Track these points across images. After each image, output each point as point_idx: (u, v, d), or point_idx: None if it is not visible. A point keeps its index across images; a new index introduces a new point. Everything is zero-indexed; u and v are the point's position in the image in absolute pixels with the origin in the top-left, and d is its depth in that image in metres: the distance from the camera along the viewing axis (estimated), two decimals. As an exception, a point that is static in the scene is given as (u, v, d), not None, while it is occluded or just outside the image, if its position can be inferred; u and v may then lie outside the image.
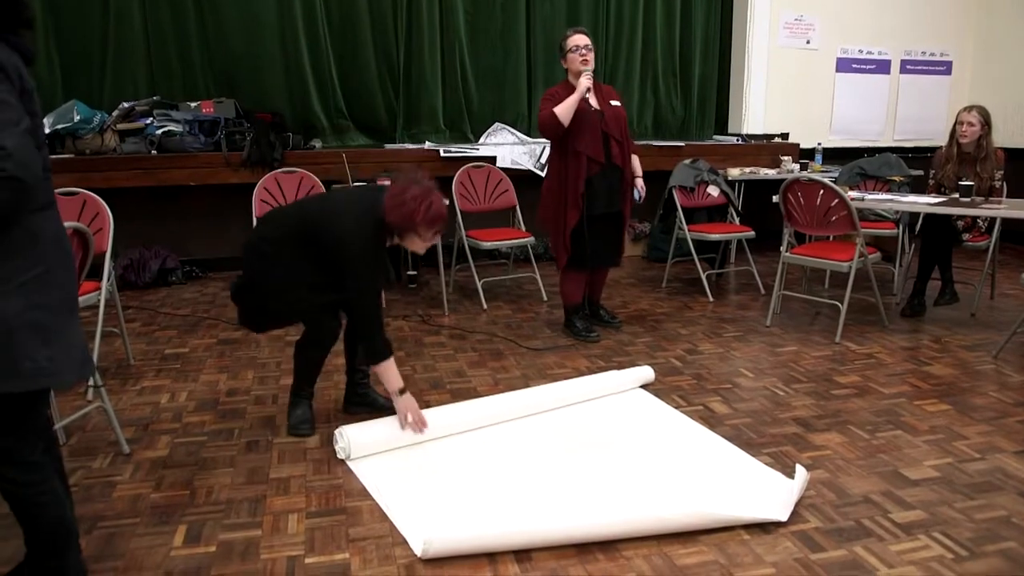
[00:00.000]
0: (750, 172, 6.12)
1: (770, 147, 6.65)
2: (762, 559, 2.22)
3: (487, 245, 5.04)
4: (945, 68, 7.41)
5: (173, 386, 3.62)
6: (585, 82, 3.92)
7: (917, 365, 3.90)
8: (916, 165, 5.90)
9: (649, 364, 3.85)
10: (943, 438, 3.04)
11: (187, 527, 2.40)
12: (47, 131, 4.97)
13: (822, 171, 6.00)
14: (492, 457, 2.91)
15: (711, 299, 5.16)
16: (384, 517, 2.45)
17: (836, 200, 4.19)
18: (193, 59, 5.73)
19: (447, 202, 3.16)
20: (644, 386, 3.61)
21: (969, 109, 4.61)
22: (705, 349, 4.15)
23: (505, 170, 5.62)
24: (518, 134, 6.26)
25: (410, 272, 5.59)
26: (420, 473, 2.77)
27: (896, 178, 5.51)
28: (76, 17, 5.46)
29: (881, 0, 7.05)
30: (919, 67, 7.33)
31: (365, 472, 2.77)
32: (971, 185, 4.45)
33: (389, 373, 2.87)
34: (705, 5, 6.83)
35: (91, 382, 3.10)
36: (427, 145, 6.00)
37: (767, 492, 2.55)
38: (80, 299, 3.19)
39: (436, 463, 2.85)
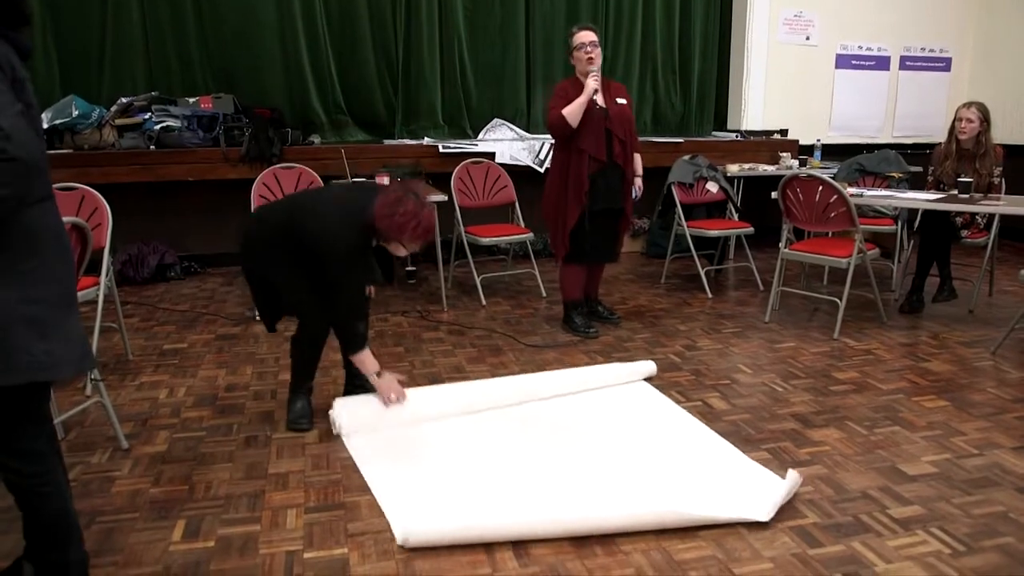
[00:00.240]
0: (749, 168, 6.12)
1: (769, 143, 6.65)
2: (760, 554, 2.22)
3: (486, 241, 5.03)
4: (944, 65, 7.40)
5: (172, 381, 3.62)
6: (592, 84, 3.93)
7: (915, 361, 3.91)
8: (915, 161, 5.90)
9: (648, 360, 3.86)
10: (941, 434, 3.05)
11: (186, 522, 2.40)
12: (45, 126, 4.96)
13: (821, 167, 6.00)
14: (485, 446, 2.94)
15: (710, 295, 5.17)
16: (383, 512, 2.45)
17: (835, 196, 4.19)
18: (192, 54, 5.72)
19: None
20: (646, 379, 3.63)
21: (968, 105, 4.61)
22: (704, 345, 4.16)
23: (504, 166, 5.61)
24: (517, 130, 6.26)
25: (409, 268, 5.60)
26: (412, 460, 2.82)
27: (895, 174, 5.51)
28: (74, 12, 5.45)
29: (881, -4, 7.05)
30: (918, 64, 7.32)
31: (359, 454, 2.84)
32: (970, 181, 4.46)
33: (365, 360, 3.05)
34: (704, 1, 6.82)
35: (90, 377, 3.10)
36: (426, 141, 6.00)
37: (754, 492, 2.55)
38: (78, 294, 3.20)
39: (429, 450, 2.90)
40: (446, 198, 4.73)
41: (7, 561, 2.08)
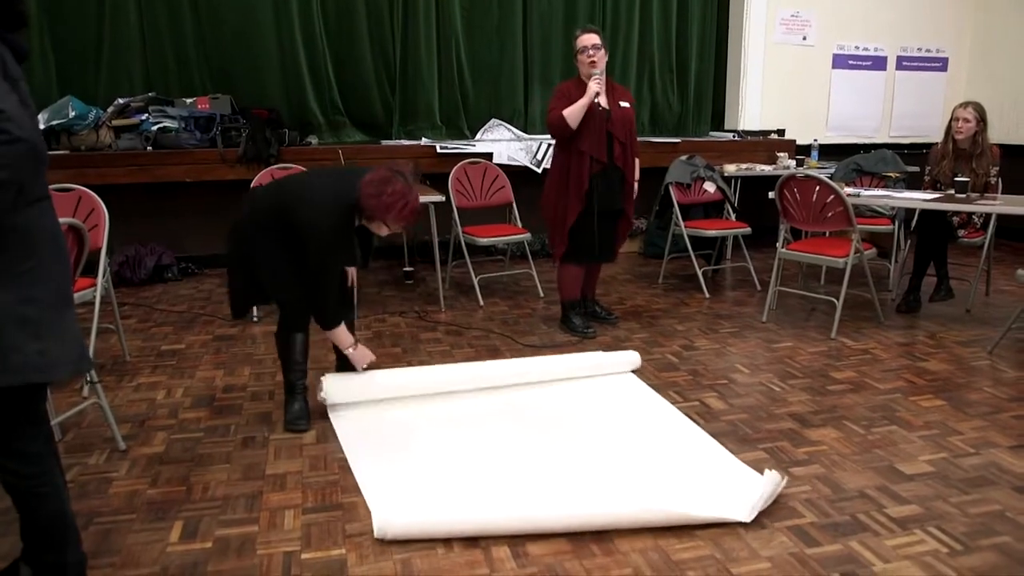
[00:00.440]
0: (746, 168, 6.12)
1: (766, 143, 6.66)
2: (758, 554, 2.22)
3: (483, 241, 5.03)
4: (941, 65, 7.42)
5: (169, 382, 3.61)
6: (594, 87, 3.94)
7: (912, 361, 3.91)
8: (912, 161, 5.91)
9: (645, 360, 3.87)
10: (938, 433, 3.05)
11: (183, 523, 2.40)
12: (41, 127, 4.95)
13: (818, 167, 6.01)
14: (471, 439, 3.00)
15: (707, 295, 5.17)
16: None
17: (832, 196, 4.19)
18: (189, 55, 5.71)
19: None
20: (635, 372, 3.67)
21: (965, 105, 4.62)
22: (701, 345, 4.16)
23: (501, 166, 5.61)
24: (515, 130, 6.26)
25: (407, 269, 5.60)
26: (398, 451, 2.89)
27: (892, 174, 5.52)
28: (71, 13, 5.44)
29: (877, -4, 7.06)
30: (915, 64, 7.33)
31: (347, 442, 2.94)
32: (967, 181, 4.46)
33: (339, 335, 3.14)
34: (701, 1, 6.83)
35: (87, 378, 3.09)
36: (423, 141, 6.00)
37: (735, 490, 2.55)
38: (76, 295, 3.20)
39: (416, 442, 2.97)
40: (444, 198, 4.73)
41: (5, 563, 2.08)
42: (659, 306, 4.95)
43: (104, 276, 3.57)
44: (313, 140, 5.89)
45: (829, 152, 6.67)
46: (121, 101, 5.40)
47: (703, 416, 3.21)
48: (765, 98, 6.92)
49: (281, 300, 3.13)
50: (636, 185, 4.37)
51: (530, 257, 5.36)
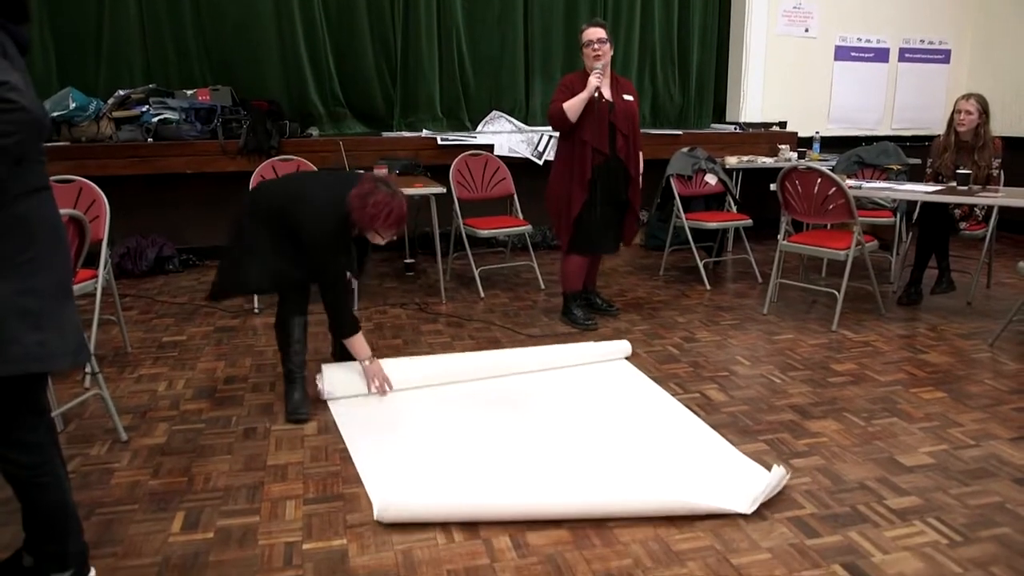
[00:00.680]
0: (748, 160, 6.11)
1: (768, 135, 6.65)
2: (758, 545, 2.23)
3: (484, 233, 5.03)
4: (943, 57, 7.40)
5: (171, 374, 3.62)
6: (594, 81, 3.95)
7: (913, 353, 3.91)
8: (914, 154, 5.90)
9: (646, 352, 3.88)
10: (938, 425, 3.06)
11: (185, 513, 2.40)
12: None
13: (820, 160, 5.99)
14: (468, 427, 3.03)
15: (708, 287, 5.17)
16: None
17: (833, 188, 4.19)
18: (189, 46, 5.70)
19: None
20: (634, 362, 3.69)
21: (967, 97, 4.61)
22: (702, 337, 4.16)
23: (502, 158, 5.61)
24: (515, 122, 6.25)
25: (407, 261, 5.60)
26: (396, 436, 2.93)
27: (894, 166, 5.51)
28: (72, 4, 5.43)
29: (880, -12, 7.04)
30: (917, 55, 7.32)
31: (345, 428, 2.99)
32: (968, 174, 4.45)
33: (357, 345, 3.21)
34: (703, -7, 6.82)
35: (88, 369, 3.10)
36: (424, 133, 5.99)
37: (736, 481, 2.56)
38: (77, 287, 3.21)
39: (413, 428, 3.01)
40: (444, 190, 4.73)
41: (7, 552, 2.08)
42: (660, 298, 4.95)
43: (105, 267, 3.57)
44: (314, 132, 5.88)
45: (831, 144, 6.66)
46: (122, 93, 5.39)
47: (704, 408, 3.22)
48: (767, 90, 6.90)
49: (279, 290, 3.21)
50: (640, 179, 4.38)
51: (531, 249, 5.36)
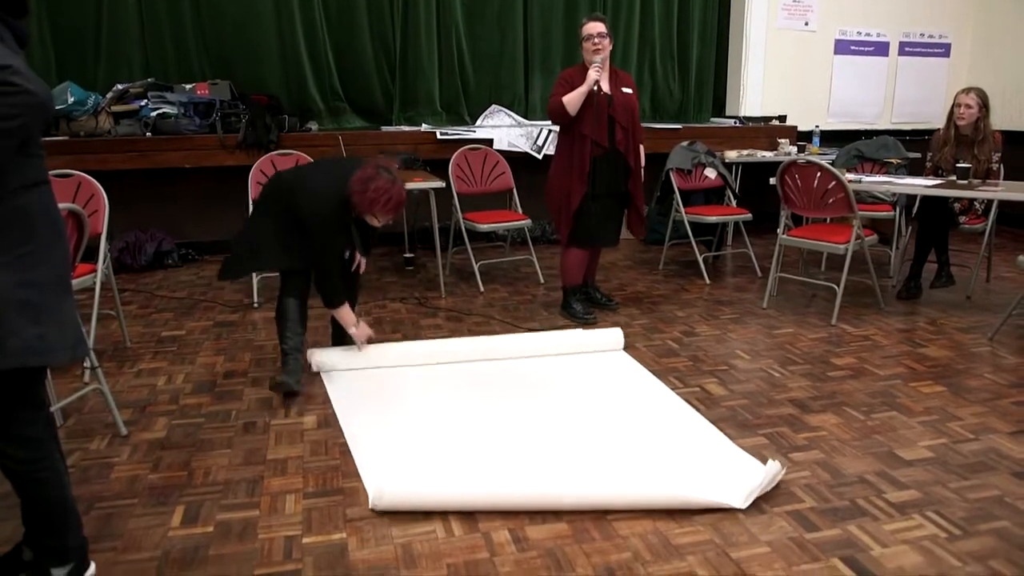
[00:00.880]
0: (747, 155, 6.10)
1: (768, 130, 6.64)
2: (757, 538, 2.23)
3: (484, 227, 5.03)
4: (944, 50, 7.38)
5: (170, 368, 3.62)
6: (593, 75, 3.96)
7: (912, 347, 3.91)
8: (914, 148, 5.89)
9: (646, 346, 3.89)
10: (937, 419, 3.06)
11: (185, 507, 2.41)
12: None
13: (819, 154, 5.99)
14: (466, 414, 3.08)
15: (708, 281, 5.17)
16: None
17: (833, 182, 4.18)
18: (188, 40, 5.68)
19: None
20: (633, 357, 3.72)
21: (967, 91, 4.60)
22: (702, 331, 4.16)
23: (502, 152, 5.60)
24: (515, 116, 6.24)
25: (407, 255, 5.59)
26: (393, 423, 2.99)
27: (893, 160, 5.50)
28: (70, -2, 5.42)
29: (880, -19, 7.02)
30: (918, 49, 7.30)
31: (342, 413, 3.07)
32: (968, 168, 4.45)
33: (344, 314, 3.42)
34: (703, -13, 6.80)
35: (87, 364, 3.10)
36: (424, 127, 5.98)
37: (731, 475, 2.56)
38: (76, 282, 3.21)
39: (410, 415, 3.07)
40: (444, 185, 4.72)
41: (7, 547, 2.08)
42: (660, 292, 4.95)
43: (104, 262, 3.57)
44: (313, 126, 5.87)
45: (830, 138, 6.65)
46: (120, 87, 5.38)
47: (703, 402, 3.22)
48: (766, 84, 6.89)
49: (282, 270, 3.39)
50: (642, 172, 4.38)
51: (530, 243, 5.36)
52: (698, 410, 3.12)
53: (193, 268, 5.59)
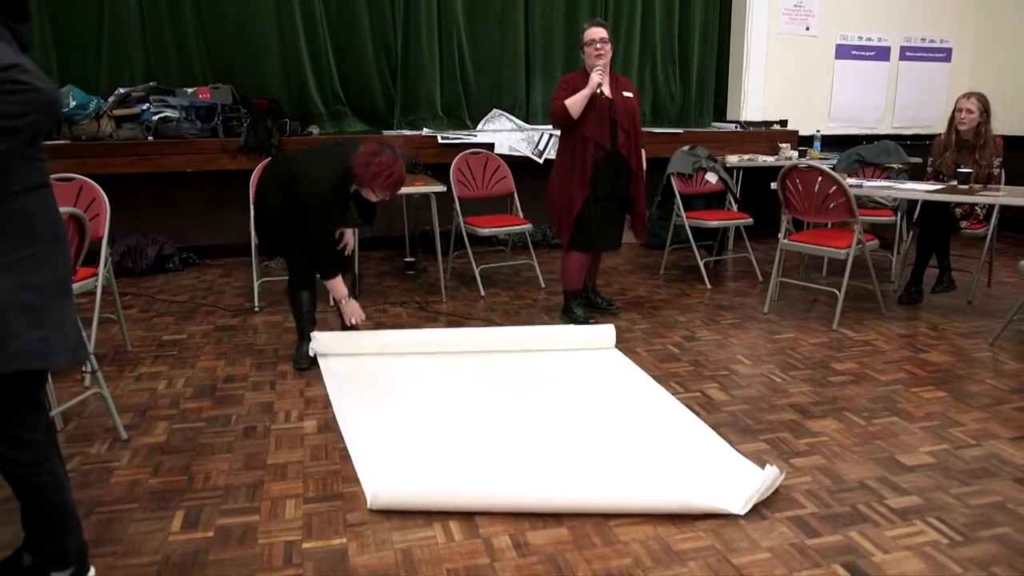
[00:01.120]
0: (748, 159, 6.11)
1: (769, 134, 6.64)
2: (758, 544, 2.23)
3: (485, 232, 5.03)
4: (945, 55, 7.38)
5: (171, 372, 3.62)
6: (596, 78, 3.99)
7: (914, 352, 3.91)
8: (915, 152, 5.89)
9: (647, 351, 3.88)
10: (939, 425, 3.05)
11: (185, 512, 2.40)
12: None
13: (821, 158, 5.99)
14: (464, 413, 3.12)
15: (709, 286, 5.16)
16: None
17: (834, 187, 4.18)
18: (189, 45, 5.70)
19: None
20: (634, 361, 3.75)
21: (968, 96, 4.60)
22: (702, 336, 4.16)
23: (503, 156, 5.60)
24: (516, 120, 6.24)
25: (408, 259, 5.59)
26: (390, 421, 3.03)
27: (894, 165, 5.50)
28: (72, 3, 5.42)
29: (881, -14, 7.02)
30: (919, 54, 7.30)
31: (340, 409, 3.14)
32: (969, 172, 4.45)
33: (336, 285, 3.54)
34: (704, -8, 6.81)
35: (87, 368, 3.10)
36: (425, 132, 5.98)
37: (730, 480, 2.56)
38: (77, 285, 3.21)
39: (407, 413, 3.10)
40: (445, 189, 4.72)
41: (7, 551, 2.08)
42: (660, 297, 4.94)
43: (105, 266, 3.57)
44: (314, 130, 5.88)
45: (831, 143, 6.65)
46: (122, 91, 5.39)
47: (704, 407, 3.21)
48: (767, 89, 6.89)
49: (287, 258, 3.65)
50: (643, 175, 4.38)
51: (531, 247, 5.36)
52: (699, 415, 3.12)
53: (194, 272, 5.59)
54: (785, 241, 4.55)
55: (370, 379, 3.47)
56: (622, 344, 3.98)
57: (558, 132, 4.25)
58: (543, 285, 5.17)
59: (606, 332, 3.94)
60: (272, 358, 3.79)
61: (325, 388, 3.38)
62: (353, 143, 3.43)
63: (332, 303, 3.96)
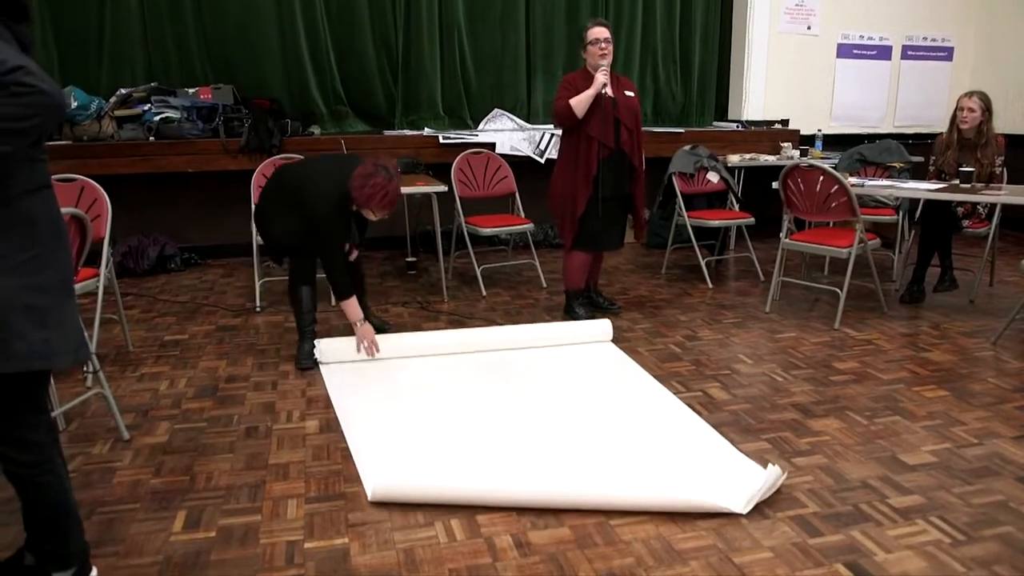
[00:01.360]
0: (750, 158, 6.10)
1: (770, 133, 6.63)
2: (760, 543, 2.22)
3: (486, 231, 5.03)
4: (946, 54, 7.37)
5: (172, 372, 3.62)
6: (602, 78, 4.00)
7: (916, 351, 3.90)
8: (916, 151, 5.88)
9: (648, 350, 3.88)
10: (941, 424, 3.05)
11: (187, 512, 2.40)
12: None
13: (822, 157, 5.98)
14: (460, 404, 3.17)
15: (710, 285, 5.16)
16: (383, 503, 2.45)
17: (836, 186, 4.18)
18: (190, 45, 5.70)
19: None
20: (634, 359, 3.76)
21: (970, 95, 4.59)
22: (704, 335, 4.16)
23: (504, 156, 5.60)
24: (517, 120, 6.24)
25: (409, 259, 5.59)
26: (390, 416, 3.07)
27: (896, 164, 5.49)
28: (73, 3, 5.42)
29: (882, -15, 7.02)
30: (920, 53, 7.29)
31: (340, 405, 3.17)
32: (971, 171, 4.44)
33: (351, 307, 3.58)
34: (705, -9, 6.80)
35: (88, 368, 3.10)
36: (426, 131, 5.98)
37: (732, 478, 2.56)
38: (78, 286, 3.22)
39: (408, 409, 3.14)
40: (446, 189, 4.72)
41: (9, 551, 2.08)
42: (662, 296, 4.94)
43: (107, 266, 3.57)
44: (315, 130, 5.87)
45: (833, 142, 6.65)
46: (123, 91, 5.39)
47: (706, 406, 3.21)
48: (769, 88, 6.88)
49: (292, 258, 3.70)
50: (643, 173, 4.38)
51: (533, 247, 5.36)
52: (701, 414, 3.12)
53: (196, 272, 5.59)
54: (787, 240, 4.54)
55: (370, 377, 3.50)
56: (624, 344, 3.98)
57: (559, 132, 4.25)
58: (544, 285, 5.17)
59: (603, 327, 3.97)
60: (274, 358, 3.79)
61: (326, 388, 3.39)
62: (355, 160, 3.48)
63: (333, 303, 3.95)
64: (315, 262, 3.66)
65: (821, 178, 4.22)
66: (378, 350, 3.66)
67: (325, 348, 3.67)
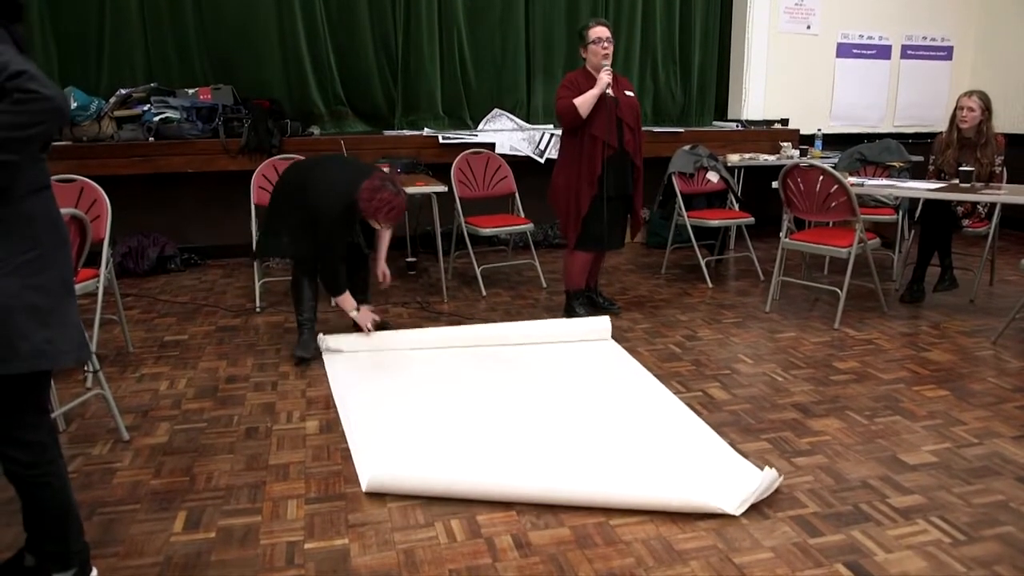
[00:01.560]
0: (750, 158, 6.10)
1: (770, 133, 6.63)
2: (760, 544, 2.22)
3: (486, 231, 5.03)
4: (946, 53, 7.37)
5: (172, 373, 3.62)
6: (606, 78, 4.01)
7: (916, 351, 3.90)
8: (916, 151, 5.88)
9: (648, 350, 3.88)
10: (941, 423, 3.05)
11: (187, 513, 2.40)
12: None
13: (822, 157, 5.98)
14: (459, 399, 3.20)
15: (710, 285, 5.16)
16: (383, 503, 2.45)
17: (836, 186, 4.18)
18: (190, 45, 5.70)
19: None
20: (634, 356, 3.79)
21: (970, 94, 4.59)
22: (704, 335, 4.16)
23: (504, 156, 5.60)
24: (517, 120, 6.24)
25: (409, 259, 5.59)
26: (388, 409, 3.11)
27: (896, 164, 5.49)
28: (73, 4, 5.42)
29: (882, -15, 7.02)
30: (920, 52, 7.29)
31: (340, 400, 3.22)
32: (971, 171, 4.44)
33: (344, 300, 3.78)
34: (705, -10, 6.80)
35: (88, 368, 3.10)
36: (426, 132, 5.98)
37: (727, 479, 2.56)
38: (78, 286, 3.21)
39: (406, 401, 3.21)
40: (446, 189, 4.72)
41: (9, 552, 2.08)
42: (662, 296, 4.94)
43: (107, 267, 3.57)
44: (315, 130, 5.87)
45: (833, 142, 6.65)
46: (123, 92, 5.39)
47: (706, 406, 3.21)
48: (769, 88, 6.88)
49: (295, 257, 3.81)
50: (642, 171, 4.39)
51: (533, 247, 5.35)
52: (701, 414, 3.12)
53: (195, 273, 5.59)
54: (787, 240, 4.54)
55: (371, 370, 3.56)
56: (624, 344, 3.98)
57: (559, 131, 4.25)
58: (544, 285, 5.16)
59: (601, 324, 3.99)
60: (274, 359, 3.79)
61: (327, 388, 3.39)
62: (364, 172, 3.63)
63: (333, 304, 3.96)
64: (313, 266, 3.77)
65: (821, 178, 4.22)
66: (379, 320, 3.90)
67: (329, 338, 3.79)
